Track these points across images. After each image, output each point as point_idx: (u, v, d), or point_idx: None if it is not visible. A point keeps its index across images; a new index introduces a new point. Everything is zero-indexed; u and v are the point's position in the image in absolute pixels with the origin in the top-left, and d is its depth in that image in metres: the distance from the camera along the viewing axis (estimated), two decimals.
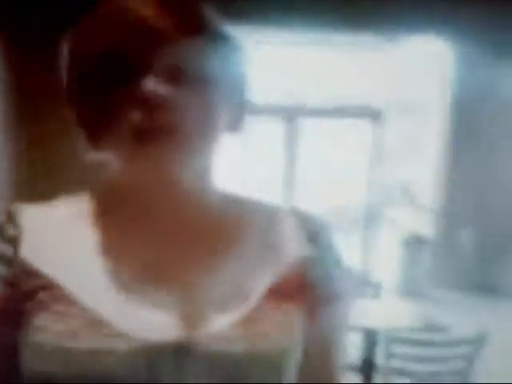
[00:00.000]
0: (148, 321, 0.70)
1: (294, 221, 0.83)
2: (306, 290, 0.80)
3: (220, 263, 0.76)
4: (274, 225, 0.82)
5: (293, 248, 0.80)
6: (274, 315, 0.75)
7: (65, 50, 0.75)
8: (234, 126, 0.78)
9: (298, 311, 0.78)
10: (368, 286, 4.01)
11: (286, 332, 0.75)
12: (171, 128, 0.68)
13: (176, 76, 0.69)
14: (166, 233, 0.76)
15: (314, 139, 5.04)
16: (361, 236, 4.84)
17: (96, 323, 0.69)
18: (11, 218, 0.76)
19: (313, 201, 4.84)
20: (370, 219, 4.89)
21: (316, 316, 0.81)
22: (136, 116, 0.68)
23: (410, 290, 4.36)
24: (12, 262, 0.73)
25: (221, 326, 0.72)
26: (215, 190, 0.80)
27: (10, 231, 0.75)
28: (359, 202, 4.99)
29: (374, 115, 4.92)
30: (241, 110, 0.78)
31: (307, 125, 4.86)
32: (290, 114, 4.78)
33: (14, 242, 0.74)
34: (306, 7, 4.18)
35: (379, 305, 3.93)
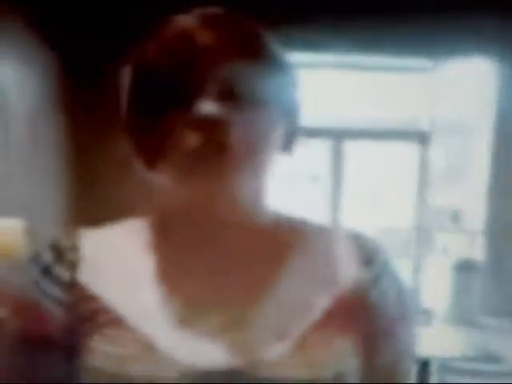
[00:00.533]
0: (201, 347, 0.70)
1: (349, 242, 0.82)
2: (364, 314, 0.77)
3: (274, 287, 0.76)
4: (330, 246, 0.81)
5: (349, 270, 0.79)
6: (328, 340, 0.73)
7: (124, 72, 0.77)
8: (287, 146, 0.79)
9: (354, 336, 0.75)
10: (419, 312, 3.92)
11: (340, 358, 0.73)
12: (226, 149, 0.69)
13: (231, 98, 0.70)
14: (220, 257, 0.76)
15: (360, 161, 5.00)
16: (410, 261, 4.76)
17: (148, 349, 0.70)
18: (71, 242, 0.77)
19: (360, 223, 4.78)
20: (420, 244, 4.80)
21: (375, 342, 0.78)
22: (191, 138, 0.69)
23: (462, 317, 4.25)
24: (71, 286, 0.75)
25: (274, 352, 0.71)
26: (268, 211, 0.80)
27: (70, 256, 0.76)
28: (408, 226, 4.92)
29: (420, 137, 4.86)
30: (294, 131, 0.79)
31: (354, 147, 4.83)
32: (337, 136, 4.75)
33: (73, 266, 0.76)
34: (352, 31, 4.18)
35: (431, 332, 3.85)
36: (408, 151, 4.94)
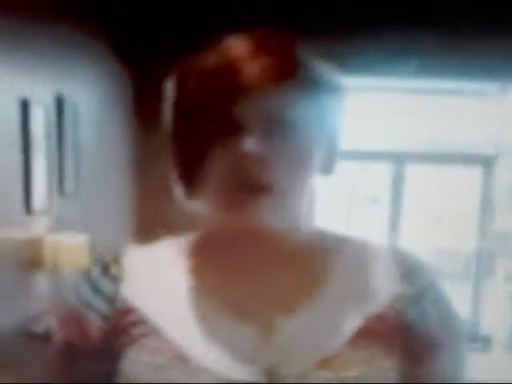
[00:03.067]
0: (235, 360, 0.72)
1: (389, 258, 0.80)
2: (401, 331, 0.76)
3: (311, 303, 0.76)
4: (369, 262, 0.80)
5: (387, 286, 0.78)
6: (364, 356, 0.72)
7: (167, 91, 0.76)
8: (327, 169, 0.77)
9: (391, 353, 0.75)
10: (477, 339, 3.84)
11: (376, 375, 0.72)
12: (267, 183, 0.70)
13: (272, 132, 0.70)
14: (258, 276, 0.77)
15: (421, 184, 4.96)
16: (471, 286, 4.66)
17: (184, 359, 0.72)
18: (116, 258, 0.81)
19: (420, 246, 4.73)
20: (482, 269, 4.70)
21: (416, 362, 0.77)
22: (233, 172, 0.69)
23: None
24: (113, 299, 0.78)
25: (307, 366, 0.71)
26: (309, 230, 0.79)
27: (114, 270, 0.79)
28: (470, 250, 4.82)
29: (484, 161, 4.78)
30: (333, 153, 0.77)
31: (416, 170, 4.80)
32: (398, 159, 4.74)
33: (116, 280, 0.79)
34: (418, 55, 4.18)
35: (489, 359, 3.75)
36: (472, 174, 4.86)
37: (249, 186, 0.69)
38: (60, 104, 2.86)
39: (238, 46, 0.71)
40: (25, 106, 2.39)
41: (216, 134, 0.70)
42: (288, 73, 0.70)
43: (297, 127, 0.71)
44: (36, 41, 2.55)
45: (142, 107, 3.76)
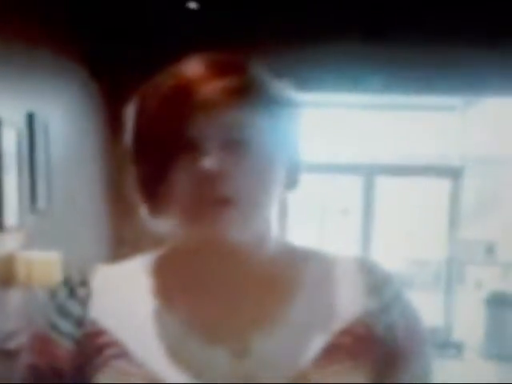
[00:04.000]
0: (206, 379, 0.71)
1: (356, 271, 0.80)
2: (370, 343, 0.77)
3: (280, 318, 0.76)
4: (336, 275, 0.80)
5: (355, 299, 0.78)
6: (335, 371, 0.73)
7: (127, 114, 0.77)
8: (291, 183, 0.79)
9: (362, 366, 0.75)
10: (450, 345, 3.90)
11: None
12: (227, 197, 0.70)
13: (229, 149, 0.71)
14: (225, 292, 0.77)
15: (392, 196, 5.04)
16: (443, 294, 4.73)
17: (154, 381, 0.71)
18: (83, 279, 0.79)
19: (390, 256, 4.80)
20: (452, 277, 4.78)
21: (386, 372, 0.78)
22: (194, 189, 0.70)
23: (495, 351, 4.19)
24: (81, 321, 0.77)
25: (282, 380, 0.71)
26: (273, 244, 0.80)
27: (82, 292, 0.78)
28: (440, 259, 4.90)
29: (452, 172, 4.89)
30: (295, 167, 0.78)
31: (386, 182, 4.89)
32: (368, 172, 4.83)
33: (84, 302, 0.77)
34: (384, 71, 4.27)
35: (461, 365, 3.81)
36: (440, 185, 4.97)
37: (209, 200, 0.70)
38: (31, 122, 2.88)
39: (192, 68, 0.73)
40: None
41: (175, 154, 0.71)
42: (241, 92, 0.71)
43: (254, 144, 0.72)
44: (7, 60, 2.57)
45: (114, 124, 3.78)
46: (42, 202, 3.00)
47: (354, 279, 0.80)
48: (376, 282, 0.80)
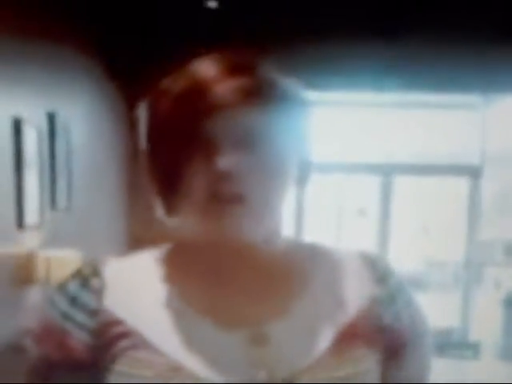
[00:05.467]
0: (225, 368, 0.73)
1: (361, 263, 0.83)
2: (378, 332, 0.79)
3: (289, 311, 0.78)
4: (342, 268, 0.83)
5: (362, 290, 0.81)
6: (344, 360, 0.75)
7: (141, 113, 0.78)
8: (302, 181, 0.80)
9: (371, 354, 0.78)
10: (467, 346, 3.88)
11: (358, 377, 0.75)
12: (239, 195, 0.72)
13: (243, 149, 0.72)
14: (235, 284, 0.79)
15: (409, 196, 5.02)
16: (460, 294, 4.70)
17: (173, 369, 0.72)
18: (96, 270, 0.80)
19: (409, 257, 4.78)
20: (471, 277, 4.75)
21: (393, 358, 0.81)
22: (207, 187, 0.72)
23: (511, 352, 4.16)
24: (96, 312, 0.77)
25: (295, 371, 0.73)
26: (283, 240, 0.82)
27: (95, 283, 0.79)
28: (459, 259, 4.87)
29: (471, 171, 4.85)
30: (306, 165, 0.80)
31: (404, 182, 4.87)
32: (386, 172, 4.81)
33: (98, 293, 0.78)
34: (401, 70, 4.25)
35: (478, 366, 3.79)
36: (459, 185, 4.93)
37: (222, 198, 0.72)
38: (52, 121, 2.92)
39: (206, 68, 0.75)
40: (17, 125, 2.44)
41: (189, 153, 0.72)
42: (255, 92, 0.72)
43: (267, 143, 0.73)
44: (28, 59, 2.61)
45: (135, 124, 3.81)
46: (61, 201, 3.04)
47: (359, 271, 0.83)
48: (380, 273, 0.83)
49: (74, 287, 0.79)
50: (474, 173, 4.84)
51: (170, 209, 0.78)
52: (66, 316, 0.78)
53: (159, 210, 0.79)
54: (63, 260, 2.65)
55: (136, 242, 3.83)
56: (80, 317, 0.78)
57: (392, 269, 0.85)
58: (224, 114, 0.71)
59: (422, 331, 0.85)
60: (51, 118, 2.91)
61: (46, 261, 2.60)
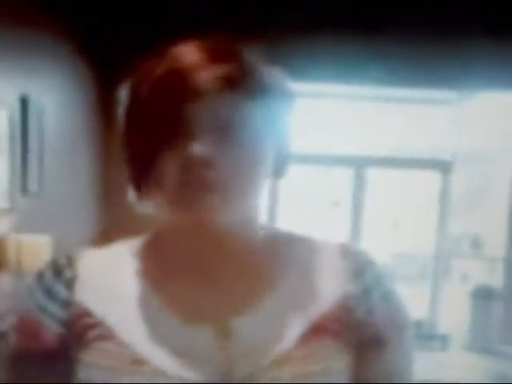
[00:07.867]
0: (190, 362, 0.73)
1: (340, 256, 0.82)
2: (351, 328, 0.78)
3: (263, 302, 0.77)
4: (320, 260, 0.81)
5: (336, 284, 0.80)
6: (317, 353, 0.74)
7: (120, 95, 0.77)
8: (278, 172, 0.79)
9: (342, 350, 0.77)
10: (435, 338, 3.94)
11: (328, 371, 0.74)
12: (213, 183, 0.71)
13: (220, 136, 0.71)
14: (209, 274, 0.79)
15: (381, 188, 5.07)
16: (428, 287, 4.78)
17: (138, 362, 0.72)
18: (69, 261, 0.81)
19: (379, 248, 4.81)
20: (438, 270, 4.82)
21: (365, 355, 0.79)
22: (181, 173, 0.71)
23: (480, 344, 4.24)
24: (68, 303, 0.78)
25: (261, 366, 0.73)
26: (259, 229, 0.81)
27: (68, 274, 0.79)
28: (427, 252, 4.94)
29: (442, 166, 4.92)
30: (284, 156, 0.79)
31: (375, 174, 4.91)
32: (360, 164, 4.84)
33: (70, 284, 0.79)
34: (379, 62, 4.28)
35: (446, 358, 3.85)
36: (429, 179, 5.00)
37: (195, 185, 0.71)
38: (24, 104, 2.86)
39: (186, 53, 0.73)
40: None
41: (165, 138, 0.71)
42: (234, 80, 0.72)
43: (243, 132, 0.72)
44: (0, 43, 2.55)
45: (108, 107, 3.77)
46: (33, 186, 2.99)
47: (336, 264, 0.81)
48: (357, 266, 0.81)
49: (48, 278, 0.80)
50: (444, 168, 4.90)
51: (142, 193, 0.77)
52: (39, 306, 0.78)
53: (131, 195, 0.78)
54: (34, 245, 2.61)
55: (108, 227, 3.79)
56: (53, 308, 0.78)
57: (371, 263, 0.83)
58: (203, 100, 0.70)
59: (401, 325, 0.83)
60: (24, 102, 2.85)
61: (16, 245, 2.56)
